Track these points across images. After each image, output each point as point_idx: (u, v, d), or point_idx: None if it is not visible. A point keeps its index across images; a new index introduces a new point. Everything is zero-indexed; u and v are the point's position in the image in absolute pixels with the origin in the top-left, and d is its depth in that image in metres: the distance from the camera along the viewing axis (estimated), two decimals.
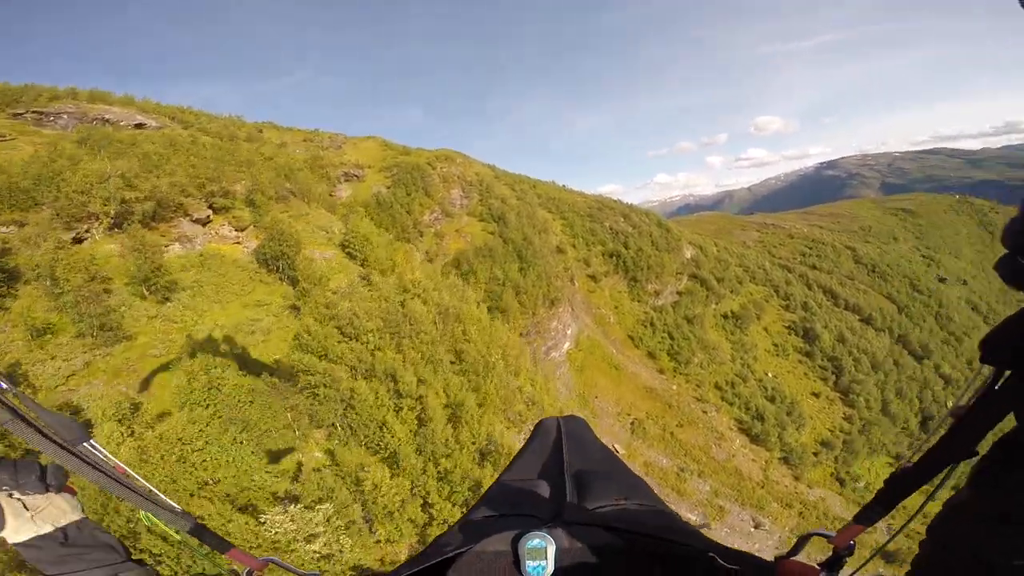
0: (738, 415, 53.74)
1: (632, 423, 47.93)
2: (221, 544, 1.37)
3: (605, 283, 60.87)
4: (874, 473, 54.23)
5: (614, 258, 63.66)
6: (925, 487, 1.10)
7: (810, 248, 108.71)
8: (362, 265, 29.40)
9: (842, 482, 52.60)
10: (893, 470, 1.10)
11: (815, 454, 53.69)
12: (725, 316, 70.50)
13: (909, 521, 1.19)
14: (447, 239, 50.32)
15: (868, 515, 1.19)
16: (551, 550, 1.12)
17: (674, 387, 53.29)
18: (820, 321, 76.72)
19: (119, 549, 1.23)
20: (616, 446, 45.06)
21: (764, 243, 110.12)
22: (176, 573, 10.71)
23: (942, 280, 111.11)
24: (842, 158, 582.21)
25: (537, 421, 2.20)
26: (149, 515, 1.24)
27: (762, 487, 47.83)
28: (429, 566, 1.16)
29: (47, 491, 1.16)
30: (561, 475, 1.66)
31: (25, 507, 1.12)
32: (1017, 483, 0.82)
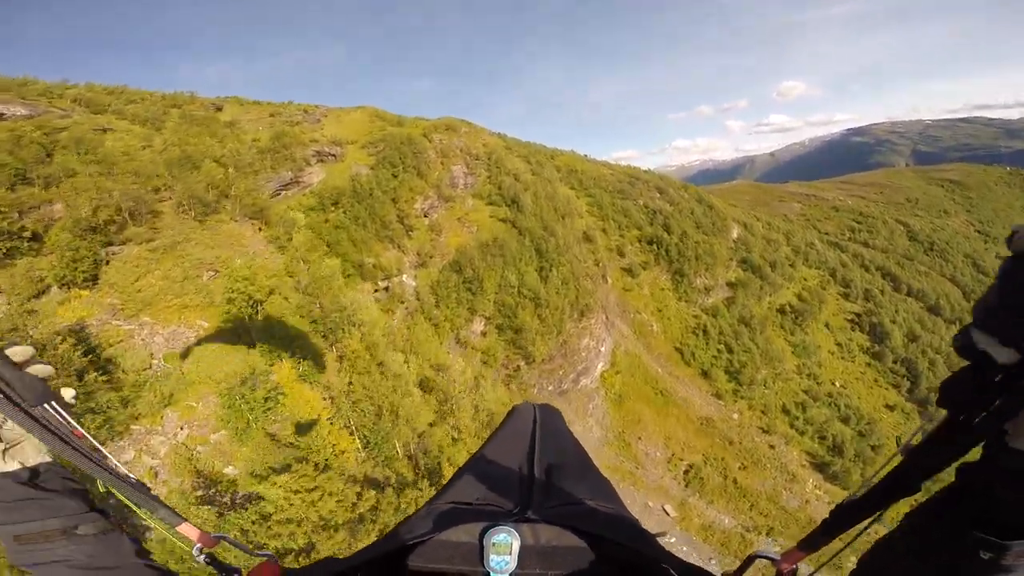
0: (810, 447, 41.21)
1: (686, 471, 35.56)
2: (173, 517, 1.24)
3: (644, 278, 47.42)
4: None
5: (654, 245, 49.92)
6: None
7: (859, 223, 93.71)
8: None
9: None
10: (841, 500, 1.10)
11: None
12: (781, 311, 57.06)
13: (840, 551, 1.16)
14: (446, 232, 37.04)
15: (811, 542, 1.19)
16: (516, 545, 1.08)
17: (735, 416, 40.64)
18: (887, 314, 63.11)
19: (85, 498, 1.08)
20: (666, 507, 33.02)
21: (807, 217, 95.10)
22: None
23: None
24: (871, 125, 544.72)
25: (513, 406, 2.07)
26: (105, 484, 1.12)
27: (840, 540, 35.81)
28: (390, 551, 1.11)
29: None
30: (531, 467, 1.52)
31: None
32: (945, 530, 0.86)
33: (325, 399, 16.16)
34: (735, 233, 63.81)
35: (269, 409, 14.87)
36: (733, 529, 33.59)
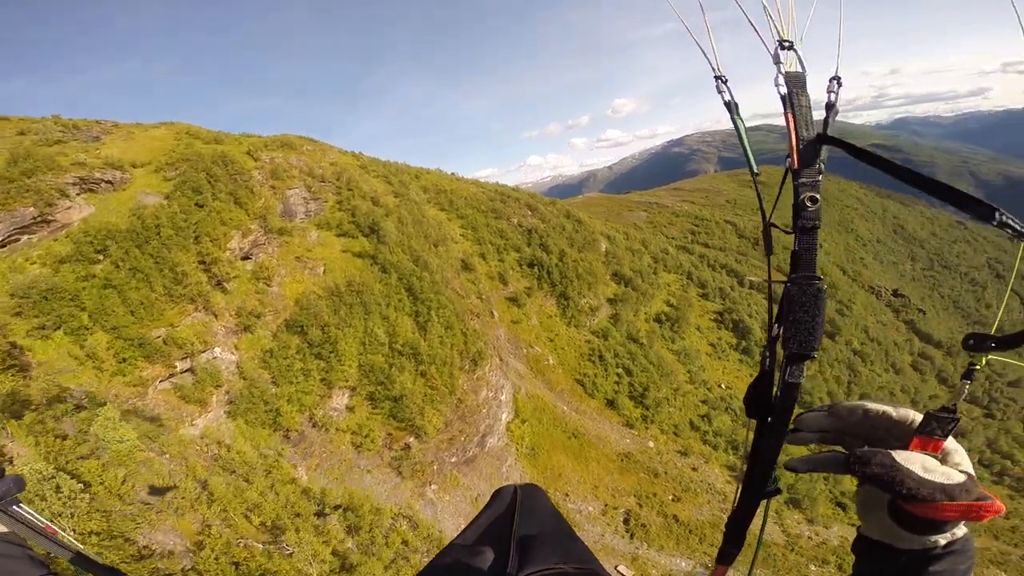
0: (726, 459, 38.62)
1: (625, 520, 29.90)
2: None
3: (531, 306, 41.50)
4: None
5: (535, 268, 44.42)
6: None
7: (697, 226, 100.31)
8: None
9: (843, 507, 40.65)
10: (728, 515, 1.27)
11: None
12: (658, 320, 55.51)
13: (756, 557, 1.32)
14: (280, 279, 26.88)
15: (725, 555, 1.31)
16: None
17: (651, 444, 36.23)
18: (744, 309, 66.00)
19: (42, 564, 1.20)
20: (620, 568, 26.88)
21: (654, 223, 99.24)
22: None
23: None
24: (685, 136, 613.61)
25: (496, 489, 2.07)
26: (82, 569, 1.28)
27: (792, 550, 34.01)
28: None
29: None
30: (508, 542, 1.53)
31: None
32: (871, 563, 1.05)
33: None
34: (603, 247, 61.76)
35: None
36: (693, 571, 28.87)
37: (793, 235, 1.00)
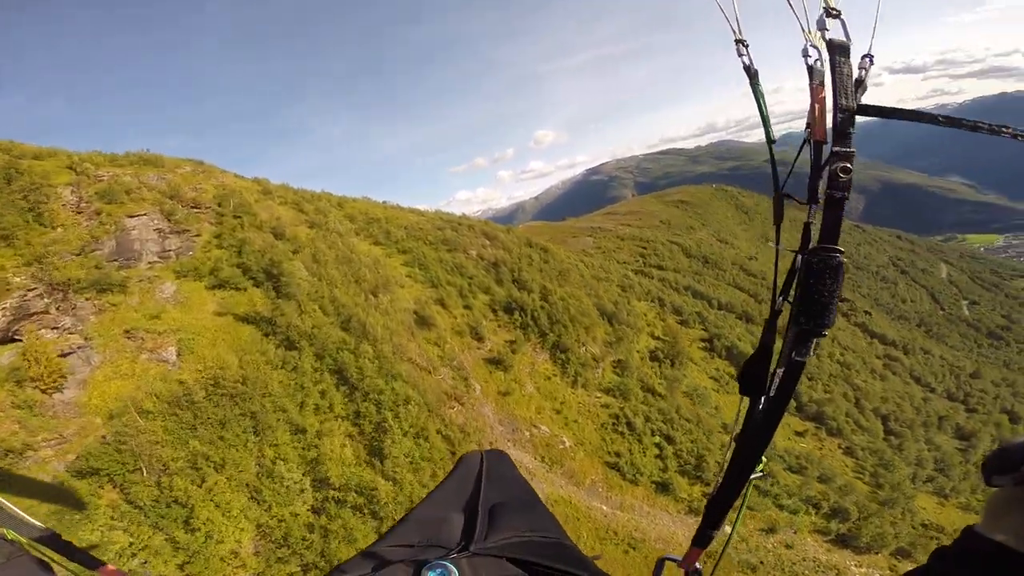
0: (812, 523, 28.41)
1: None
2: (91, 560, 1.26)
3: (520, 367, 29.09)
4: (947, 518, 35.33)
5: (515, 314, 32.38)
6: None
7: (645, 248, 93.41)
8: None
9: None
10: (708, 496, 1.14)
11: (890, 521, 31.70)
12: (654, 358, 45.30)
13: (729, 540, 1.15)
14: (83, 373, 13.10)
15: (702, 538, 1.25)
16: None
17: (727, 528, 24.73)
18: (730, 333, 57.89)
19: (49, 568, 1.17)
20: None
21: (603, 249, 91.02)
22: None
23: (751, 259, 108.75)
24: (602, 164, 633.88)
25: (461, 455, 1.85)
26: (11, 532, 1.22)
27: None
28: None
29: None
30: (475, 508, 1.51)
31: None
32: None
33: None
34: (572, 278, 51.41)
35: None
36: (666, 557, 17.20)
37: (808, 207, 0.94)
